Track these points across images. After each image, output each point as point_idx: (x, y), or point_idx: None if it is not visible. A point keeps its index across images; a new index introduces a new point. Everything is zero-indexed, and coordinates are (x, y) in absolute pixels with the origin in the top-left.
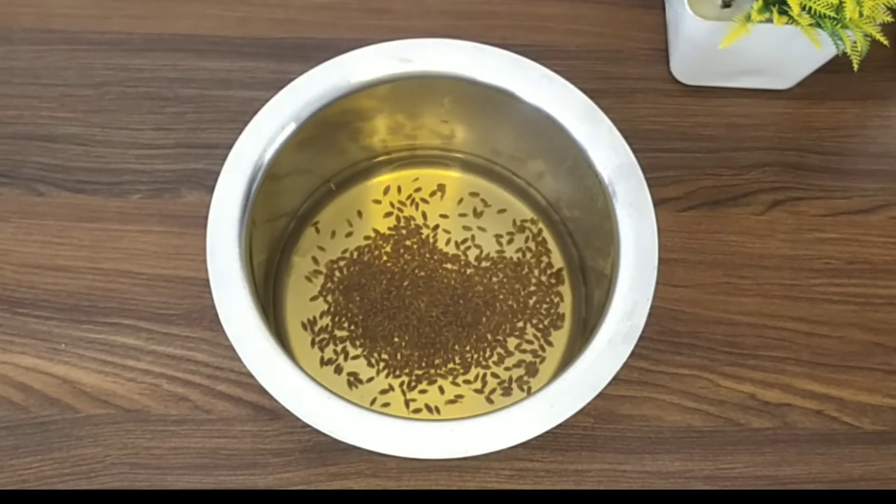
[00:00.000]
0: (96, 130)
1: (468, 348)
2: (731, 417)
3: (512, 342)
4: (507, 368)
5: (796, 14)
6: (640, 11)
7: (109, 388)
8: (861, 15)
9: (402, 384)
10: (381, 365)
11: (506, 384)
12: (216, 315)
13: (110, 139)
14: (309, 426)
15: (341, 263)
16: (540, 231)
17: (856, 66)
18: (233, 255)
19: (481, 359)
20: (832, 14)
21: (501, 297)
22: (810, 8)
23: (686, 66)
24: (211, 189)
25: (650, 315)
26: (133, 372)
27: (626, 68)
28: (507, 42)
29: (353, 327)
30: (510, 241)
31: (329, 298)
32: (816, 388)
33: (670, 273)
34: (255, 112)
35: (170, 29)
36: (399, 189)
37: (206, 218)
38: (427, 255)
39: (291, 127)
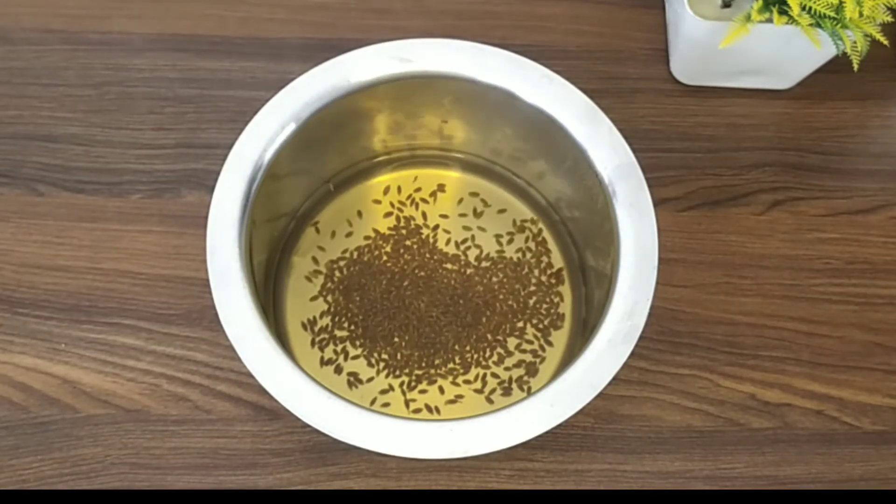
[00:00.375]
0: (96, 130)
1: (468, 348)
2: (731, 417)
3: (512, 342)
4: (507, 368)
5: (796, 14)
6: (640, 11)
7: (109, 388)
8: (861, 15)
9: (402, 384)
10: (381, 365)
11: (506, 384)
12: (216, 315)
13: (110, 139)
14: (309, 426)
15: (341, 263)
16: (540, 231)
17: (856, 66)
18: (233, 255)
19: (481, 359)
20: (832, 14)
21: (501, 297)
22: (810, 8)
23: (686, 66)
24: (211, 189)
25: (650, 315)
26: (133, 372)
27: (626, 68)
28: (507, 42)
29: (353, 327)
30: (510, 241)
31: (329, 298)
32: (816, 388)
33: (670, 273)
34: (255, 112)
35: (170, 29)
36: (399, 189)
37: (206, 218)
38: (427, 255)
39: (291, 127)
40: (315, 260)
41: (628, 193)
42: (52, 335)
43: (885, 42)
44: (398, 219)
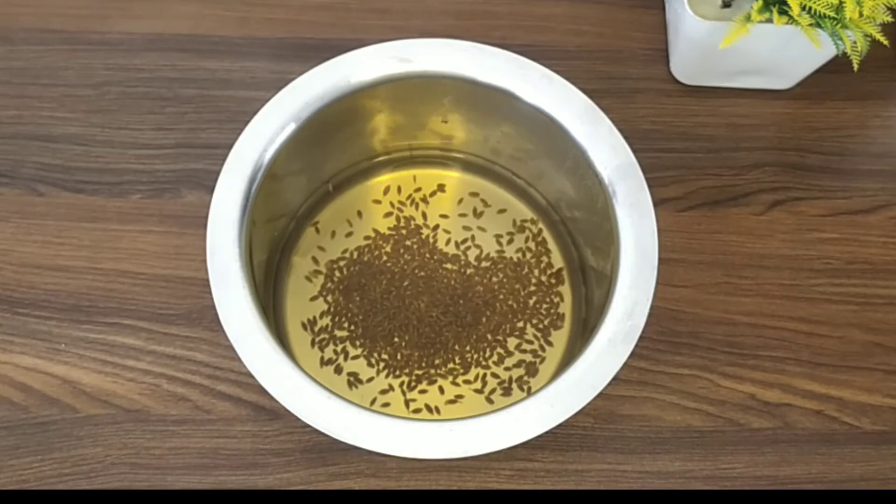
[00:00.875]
0: (96, 130)
1: (468, 348)
2: (731, 417)
3: (512, 342)
4: (507, 368)
5: (796, 14)
6: (640, 11)
7: (109, 388)
8: (861, 15)
9: (402, 384)
10: (381, 365)
11: (506, 384)
12: (216, 315)
13: (110, 139)
14: (309, 426)
15: (341, 263)
16: (540, 231)
17: (856, 66)
18: (233, 255)
19: (481, 359)
20: (832, 14)
21: (501, 297)
22: (810, 8)
23: (686, 66)
24: (211, 189)
25: (650, 315)
26: (133, 372)
27: (626, 68)
28: (507, 42)
29: (353, 327)
30: (510, 241)
31: (329, 298)
32: (816, 388)
33: (670, 273)
34: (255, 112)
35: (170, 29)
36: (399, 189)
37: (206, 218)
38: (427, 255)
39: (291, 127)
40: (315, 260)
41: (628, 193)
42: (52, 335)
43: (885, 42)
44: (398, 219)
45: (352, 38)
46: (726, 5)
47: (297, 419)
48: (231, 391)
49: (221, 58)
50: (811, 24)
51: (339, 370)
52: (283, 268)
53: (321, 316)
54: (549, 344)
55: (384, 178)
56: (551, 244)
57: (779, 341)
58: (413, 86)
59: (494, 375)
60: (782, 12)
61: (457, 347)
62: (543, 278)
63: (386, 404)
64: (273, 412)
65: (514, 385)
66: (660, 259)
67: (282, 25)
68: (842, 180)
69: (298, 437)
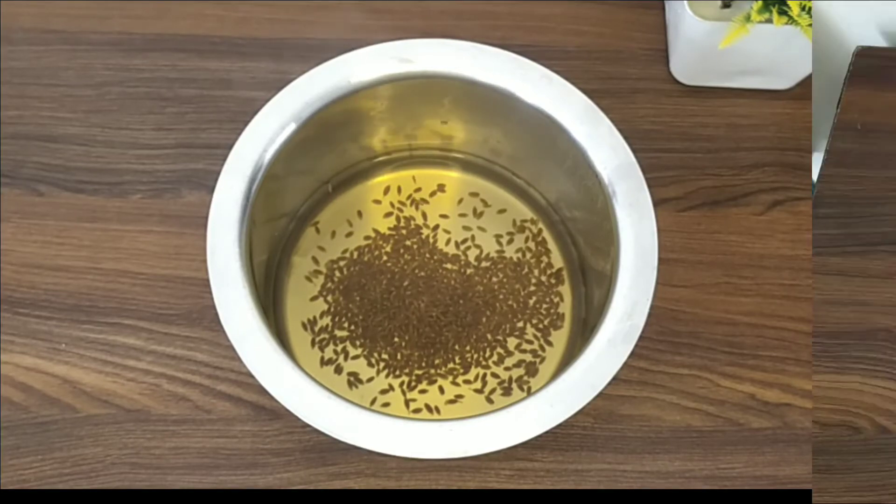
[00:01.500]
0: (96, 130)
1: (468, 348)
2: (731, 417)
3: (512, 342)
4: (507, 368)
5: (796, 14)
6: (640, 11)
7: (110, 388)
8: None
9: (402, 384)
10: (381, 365)
11: (506, 384)
12: (216, 315)
13: (110, 139)
14: (309, 426)
15: (341, 263)
16: (540, 231)
17: None
18: (233, 255)
19: (481, 359)
20: None
21: (501, 297)
22: (810, 8)
23: (686, 66)
24: (211, 189)
25: (650, 315)
26: (133, 372)
27: (626, 68)
28: (507, 42)
29: (353, 327)
30: (510, 241)
31: (329, 298)
32: None
33: (670, 273)
34: (255, 112)
35: (170, 29)
36: (399, 189)
37: (206, 218)
38: (427, 255)
39: (291, 127)
40: (315, 260)
41: (628, 193)
42: (52, 335)
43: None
44: (398, 219)
45: (352, 38)
46: (726, 6)
47: (297, 419)
48: (231, 391)
49: (221, 58)
50: (811, 25)
51: (339, 370)
52: (283, 268)
53: (321, 316)
54: (549, 344)
55: (384, 178)
56: (551, 244)
57: (779, 341)
58: (413, 86)
59: (494, 375)
60: (782, 12)
61: (457, 347)
62: (543, 278)
63: (386, 404)
64: (273, 412)
65: (514, 385)
66: (660, 259)
67: (282, 25)
68: None
69: (298, 437)
